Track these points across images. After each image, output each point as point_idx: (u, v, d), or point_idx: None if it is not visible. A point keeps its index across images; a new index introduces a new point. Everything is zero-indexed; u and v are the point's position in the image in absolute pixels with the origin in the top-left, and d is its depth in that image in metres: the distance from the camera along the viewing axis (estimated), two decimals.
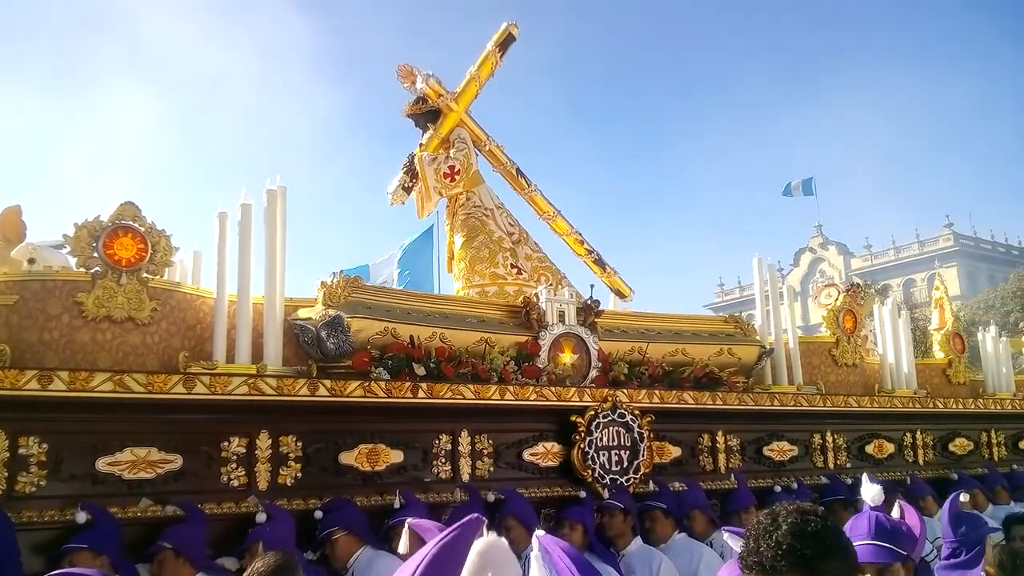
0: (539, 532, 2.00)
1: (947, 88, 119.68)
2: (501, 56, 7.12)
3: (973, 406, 7.90)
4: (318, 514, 4.50)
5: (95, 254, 4.39)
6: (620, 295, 8.04)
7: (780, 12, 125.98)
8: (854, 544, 2.81)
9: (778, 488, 6.13)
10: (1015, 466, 7.95)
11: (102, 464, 4.11)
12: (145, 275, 4.51)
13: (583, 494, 5.31)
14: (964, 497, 4.49)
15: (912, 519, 3.31)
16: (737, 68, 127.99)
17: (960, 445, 7.88)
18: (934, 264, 57.39)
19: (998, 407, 8.15)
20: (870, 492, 3.05)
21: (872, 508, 2.97)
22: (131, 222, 4.50)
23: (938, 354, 8.78)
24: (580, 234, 7.72)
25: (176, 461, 4.29)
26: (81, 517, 3.80)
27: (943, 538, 3.76)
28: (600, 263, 7.84)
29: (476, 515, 1.65)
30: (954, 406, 7.73)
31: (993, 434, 8.18)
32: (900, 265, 58.98)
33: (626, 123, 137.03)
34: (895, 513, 3.49)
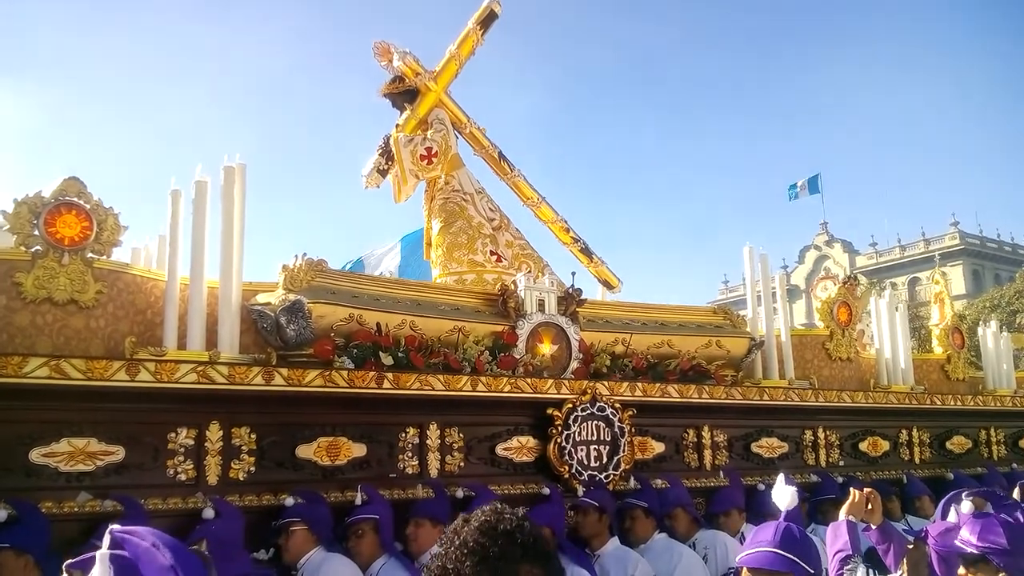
0: (113, 526, 1.76)
1: (953, 87, 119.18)
2: (483, 34, 6.81)
3: (972, 403, 7.61)
4: (289, 501, 4.24)
5: (36, 232, 4.12)
6: (608, 286, 7.77)
7: (786, 5, 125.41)
8: (753, 551, 2.53)
9: (762, 486, 5.83)
10: (1015, 465, 7.66)
11: (36, 455, 3.84)
12: (90, 255, 4.24)
13: (547, 490, 5.04)
14: (966, 507, 4.09)
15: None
16: (741, 64, 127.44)
17: (958, 443, 7.60)
18: (940, 262, 57.15)
19: (998, 404, 7.85)
20: (784, 496, 2.75)
21: (786, 513, 2.70)
22: (75, 198, 4.23)
23: (937, 349, 8.51)
24: (566, 222, 7.44)
25: (118, 453, 4.01)
26: (0, 514, 3.53)
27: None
28: (587, 252, 7.56)
29: None
30: (952, 403, 7.44)
31: (993, 432, 7.89)
32: (905, 263, 58.58)
33: (630, 120, 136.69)
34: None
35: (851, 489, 3.55)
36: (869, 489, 3.51)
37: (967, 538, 2.96)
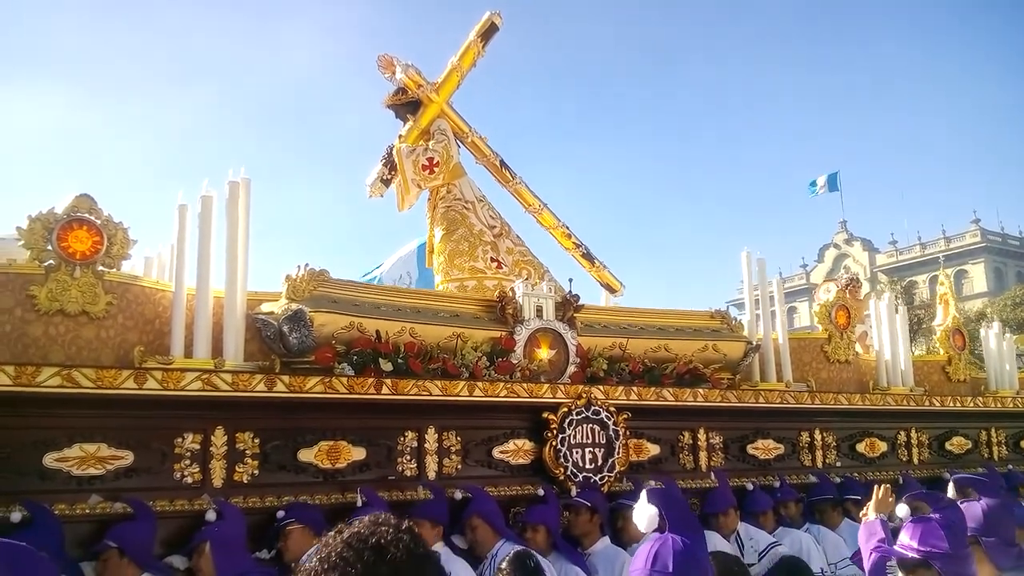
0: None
1: (973, 82, 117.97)
2: (484, 46, 6.97)
3: (972, 404, 7.68)
4: (280, 513, 4.43)
5: (49, 247, 4.33)
6: (610, 289, 7.90)
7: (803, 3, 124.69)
8: None
9: (750, 486, 5.96)
10: (1011, 466, 7.71)
11: (50, 460, 4.04)
12: (101, 268, 4.44)
13: (541, 491, 5.19)
14: (902, 511, 4.06)
15: None
16: (761, 63, 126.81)
17: (957, 444, 7.67)
18: (962, 261, 56.75)
19: (999, 405, 7.92)
20: (643, 517, 2.38)
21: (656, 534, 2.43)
22: (86, 214, 4.44)
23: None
24: (567, 227, 7.58)
25: (127, 457, 4.21)
26: (16, 516, 3.73)
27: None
28: (589, 257, 7.70)
29: None
30: (952, 404, 7.52)
31: (993, 433, 7.95)
32: (926, 261, 58.16)
33: (652, 118, 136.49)
34: None
35: (876, 486, 3.77)
36: (887, 486, 3.76)
37: (907, 543, 2.94)
